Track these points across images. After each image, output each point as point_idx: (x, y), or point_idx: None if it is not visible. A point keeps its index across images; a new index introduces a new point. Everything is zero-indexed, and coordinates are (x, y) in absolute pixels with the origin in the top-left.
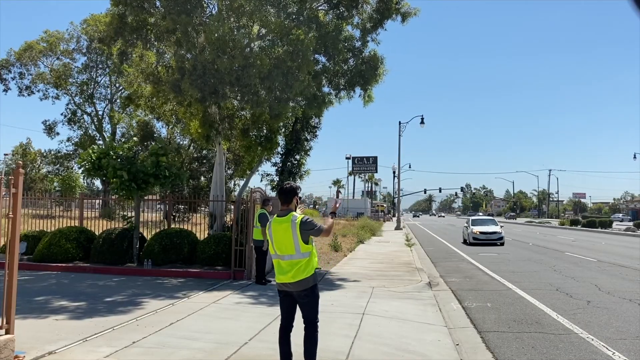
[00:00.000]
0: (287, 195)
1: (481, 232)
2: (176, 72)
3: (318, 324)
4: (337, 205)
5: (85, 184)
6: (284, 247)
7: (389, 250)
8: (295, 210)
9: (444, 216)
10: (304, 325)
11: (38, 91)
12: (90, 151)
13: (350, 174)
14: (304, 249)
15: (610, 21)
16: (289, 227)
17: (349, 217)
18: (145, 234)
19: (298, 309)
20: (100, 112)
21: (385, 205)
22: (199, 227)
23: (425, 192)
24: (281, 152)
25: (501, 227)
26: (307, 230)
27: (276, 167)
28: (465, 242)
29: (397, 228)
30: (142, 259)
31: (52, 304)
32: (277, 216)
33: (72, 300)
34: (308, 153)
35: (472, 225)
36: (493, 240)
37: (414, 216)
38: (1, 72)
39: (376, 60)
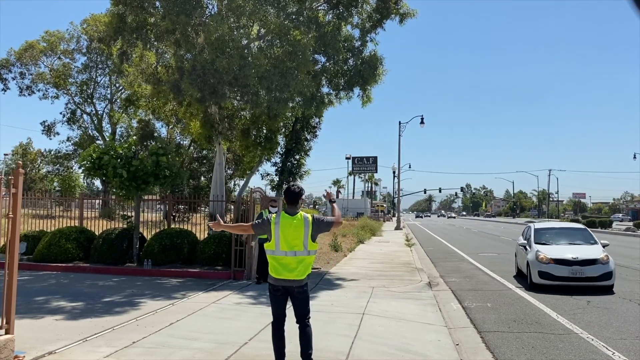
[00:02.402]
0: (296, 197)
1: (559, 260)
2: (176, 72)
3: (310, 319)
4: (329, 191)
5: (85, 184)
6: (294, 243)
7: (389, 250)
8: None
9: (454, 217)
10: (298, 324)
11: (38, 91)
12: (91, 150)
13: (350, 174)
14: (312, 246)
15: (610, 21)
16: (301, 224)
17: (349, 217)
18: (145, 234)
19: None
20: (100, 112)
21: (385, 205)
22: (199, 227)
23: (425, 192)
24: (281, 152)
25: (604, 247)
26: (321, 225)
27: (276, 167)
28: (521, 275)
29: (397, 228)
30: (142, 259)
31: (51, 304)
32: (286, 213)
33: (72, 300)
34: (308, 153)
35: (536, 242)
36: (590, 280)
37: (417, 216)
38: (1, 71)
39: (375, 60)
